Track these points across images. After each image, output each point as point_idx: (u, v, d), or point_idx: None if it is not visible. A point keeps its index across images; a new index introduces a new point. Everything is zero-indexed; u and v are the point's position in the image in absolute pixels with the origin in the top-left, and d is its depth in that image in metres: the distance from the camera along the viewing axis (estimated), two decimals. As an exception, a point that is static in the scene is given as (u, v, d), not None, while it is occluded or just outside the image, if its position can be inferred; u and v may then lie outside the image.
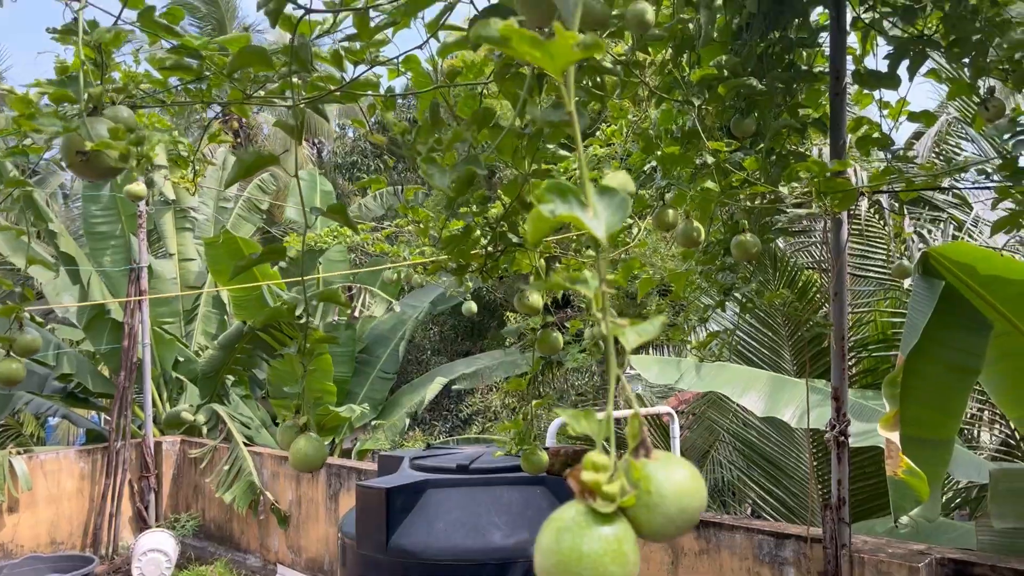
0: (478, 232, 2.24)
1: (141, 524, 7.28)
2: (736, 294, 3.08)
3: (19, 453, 6.84)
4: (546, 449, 3.50)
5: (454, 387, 10.36)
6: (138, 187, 2.99)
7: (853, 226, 5.89)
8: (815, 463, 6.07)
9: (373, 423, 10.23)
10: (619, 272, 2.56)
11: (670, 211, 2.49)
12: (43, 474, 6.96)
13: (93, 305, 8.55)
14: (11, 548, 6.69)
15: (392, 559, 3.08)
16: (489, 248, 2.30)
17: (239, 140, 21.36)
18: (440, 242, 2.27)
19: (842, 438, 3.56)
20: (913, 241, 5.56)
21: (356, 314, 8.55)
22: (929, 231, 6.09)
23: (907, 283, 3.88)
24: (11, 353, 2.24)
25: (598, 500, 0.68)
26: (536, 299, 2.32)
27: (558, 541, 0.67)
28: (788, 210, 2.87)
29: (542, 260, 2.47)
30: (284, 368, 8.76)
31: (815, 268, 6.53)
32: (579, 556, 0.66)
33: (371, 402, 10.42)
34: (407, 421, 10.31)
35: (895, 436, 3.42)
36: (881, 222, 5.73)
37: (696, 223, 2.44)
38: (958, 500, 5.83)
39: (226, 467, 6.78)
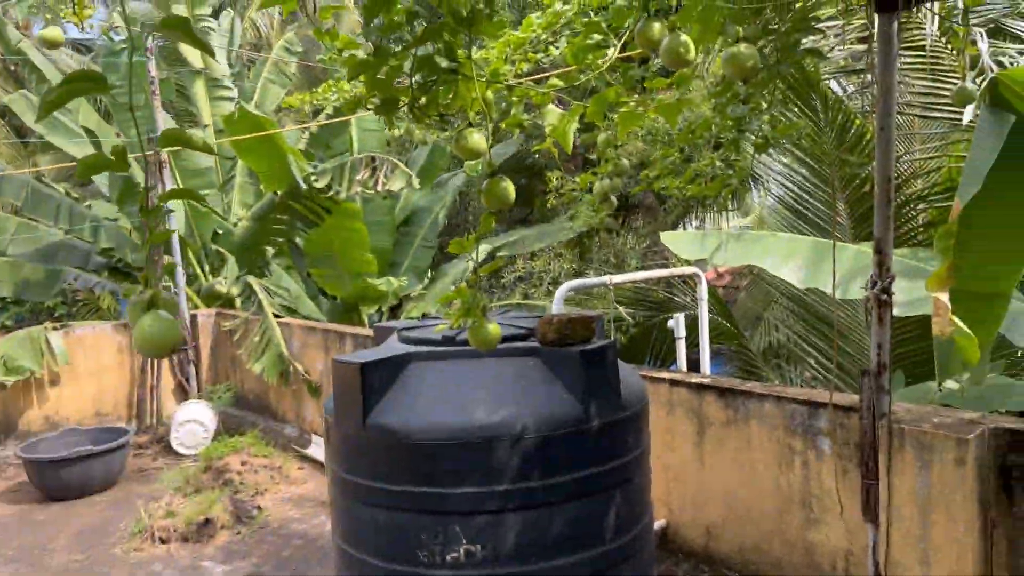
0: (395, 56, 1.80)
1: (183, 395, 7.35)
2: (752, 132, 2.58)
3: (55, 328, 6.87)
4: (538, 317, 3.14)
5: (498, 255, 10.07)
6: (52, 32, 2.62)
7: (918, 57, 5.15)
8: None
9: (417, 293, 10.07)
10: (592, 105, 2.10)
11: (655, 24, 2.00)
12: (82, 349, 7.02)
13: (124, 178, 8.40)
14: (56, 420, 6.83)
15: (371, 437, 2.83)
16: (417, 78, 1.86)
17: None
18: (348, 71, 1.84)
19: (884, 296, 3.10)
20: (992, 71, 4.82)
21: (378, 187, 8.20)
22: (1012, 62, 5.29)
23: (967, 116, 3.27)
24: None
25: None
26: (476, 140, 1.89)
27: None
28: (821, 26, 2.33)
29: (490, 92, 2.02)
30: (318, 239, 8.55)
31: (872, 111, 5.83)
32: None
33: (415, 271, 10.23)
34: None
35: (945, 295, 2.93)
36: (954, 52, 4.97)
37: (683, 36, 1.94)
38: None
39: (256, 338, 6.70)
